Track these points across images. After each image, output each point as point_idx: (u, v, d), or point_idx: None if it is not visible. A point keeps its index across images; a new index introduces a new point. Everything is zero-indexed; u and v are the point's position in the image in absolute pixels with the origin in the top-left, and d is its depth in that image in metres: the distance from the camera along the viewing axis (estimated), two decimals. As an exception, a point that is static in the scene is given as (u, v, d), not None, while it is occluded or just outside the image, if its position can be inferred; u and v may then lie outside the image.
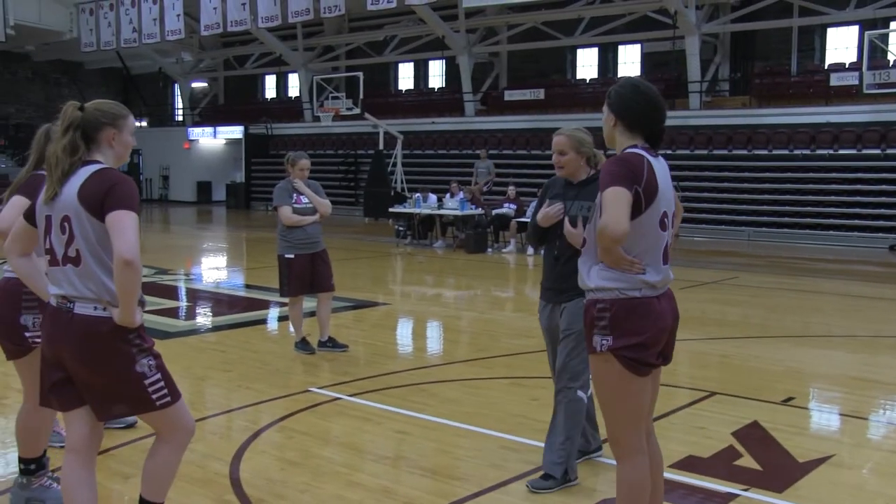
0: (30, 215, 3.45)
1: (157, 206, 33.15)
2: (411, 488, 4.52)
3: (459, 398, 6.37)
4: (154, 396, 3.32)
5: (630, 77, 3.76)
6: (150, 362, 3.32)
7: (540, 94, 26.67)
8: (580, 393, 4.48)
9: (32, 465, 4.21)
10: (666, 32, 23.71)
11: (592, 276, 3.43)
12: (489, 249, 17.22)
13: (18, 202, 3.90)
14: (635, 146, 3.42)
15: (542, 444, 4.68)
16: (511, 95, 27.45)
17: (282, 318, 9.61)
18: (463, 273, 14.55)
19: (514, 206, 17.59)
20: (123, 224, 3.14)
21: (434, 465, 4.90)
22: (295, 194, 7.47)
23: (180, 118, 39.08)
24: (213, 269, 15.74)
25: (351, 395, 6.33)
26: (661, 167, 3.41)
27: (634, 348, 3.33)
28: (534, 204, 16.43)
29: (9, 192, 4.12)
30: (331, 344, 7.70)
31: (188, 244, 20.21)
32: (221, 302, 11.45)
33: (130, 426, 5.33)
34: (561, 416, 4.52)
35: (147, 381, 3.30)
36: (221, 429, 5.66)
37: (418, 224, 18.56)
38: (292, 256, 7.46)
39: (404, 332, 9.59)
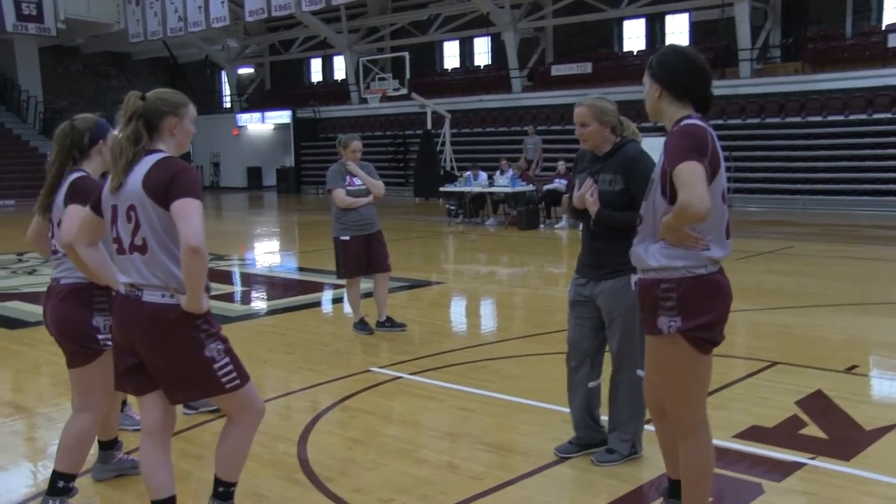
0: (96, 205, 3.49)
1: (209, 193, 33.55)
2: (476, 463, 4.57)
3: (519, 374, 6.41)
4: (224, 380, 3.39)
5: (670, 44, 3.63)
6: (219, 346, 3.38)
7: (587, 67, 26.49)
8: (639, 372, 4.42)
9: (70, 484, 3.95)
10: (714, 0, 23.32)
11: (654, 255, 3.30)
12: (541, 225, 17.21)
13: (75, 212, 3.73)
14: (690, 116, 3.28)
15: (605, 418, 4.68)
16: (558, 70, 27.31)
17: (337, 301, 9.72)
18: (516, 250, 14.56)
19: (564, 182, 17.49)
20: (188, 212, 3.19)
21: (497, 440, 4.94)
22: (348, 176, 7.52)
23: (228, 105, 39.52)
24: (267, 254, 15.93)
25: (412, 374, 6.39)
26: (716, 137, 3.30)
27: (704, 328, 3.26)
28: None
29: (44, 194, 3.99)
30: (389, 324, 7.77)
31: (241, 230, 20.46)
32: (277, 286, 11.60)
33: (216, 410, 5.19)
34: (625, 397, 4.46)
35: (216, 366, 3.37)
36: (286, 410, 5.75)
37: (469, 202, 18.58)
38: (348, 238, 7.51)
39: (460, 311, 9.64)
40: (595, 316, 4.48)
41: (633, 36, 28.48)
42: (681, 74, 3.33)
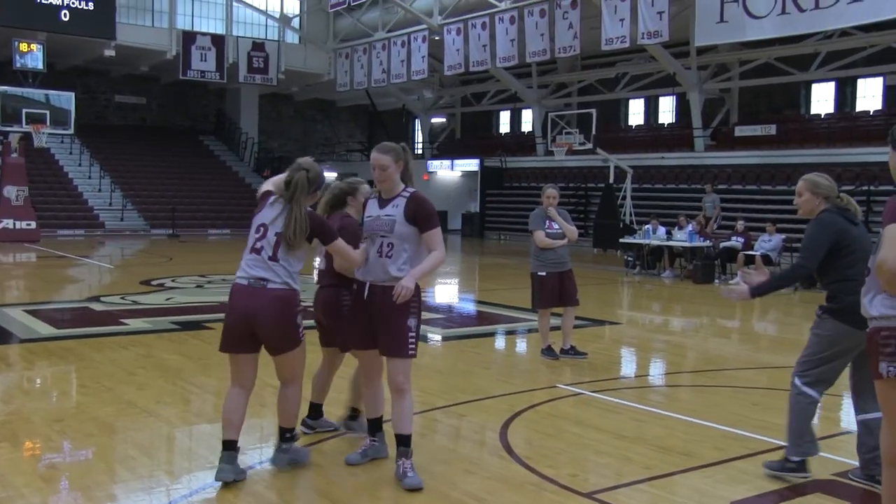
0: None
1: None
2: (646, 458, 5.61)
3: (687, 398, 7.40)
4: None
5: None
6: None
7: (771, 129, 26.73)
8: (796, 380, 5.12)
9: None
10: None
11: (875, 305, 3.59)
12: (717, 280, 17.82)
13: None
14: None
15: (759, 437, 5.57)
16: (742, 131, 27.65)
17: (524, 331, 10.91)
18: (691, 301, 15.30)
19: (742, 240, 18.09)
20: None
21: (667, 445, 5.93)
22: (548, 220, 8.74)
23: (420, 151, 41.84)
24: (464, 288, 17.34)
25: (592, 391, 7.48)
26: None
27: None
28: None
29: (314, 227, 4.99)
30: (573, 352, 8.86)
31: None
32: (472, 316, 12.95)
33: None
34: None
35: None
36: (489, 408, 6.92)
37: (648, 254, 19.43)
38: (544, 274, 8.70)
39: (636, 347, 10.59)
40: None
41: (822, 99, 28.36)
42: None
